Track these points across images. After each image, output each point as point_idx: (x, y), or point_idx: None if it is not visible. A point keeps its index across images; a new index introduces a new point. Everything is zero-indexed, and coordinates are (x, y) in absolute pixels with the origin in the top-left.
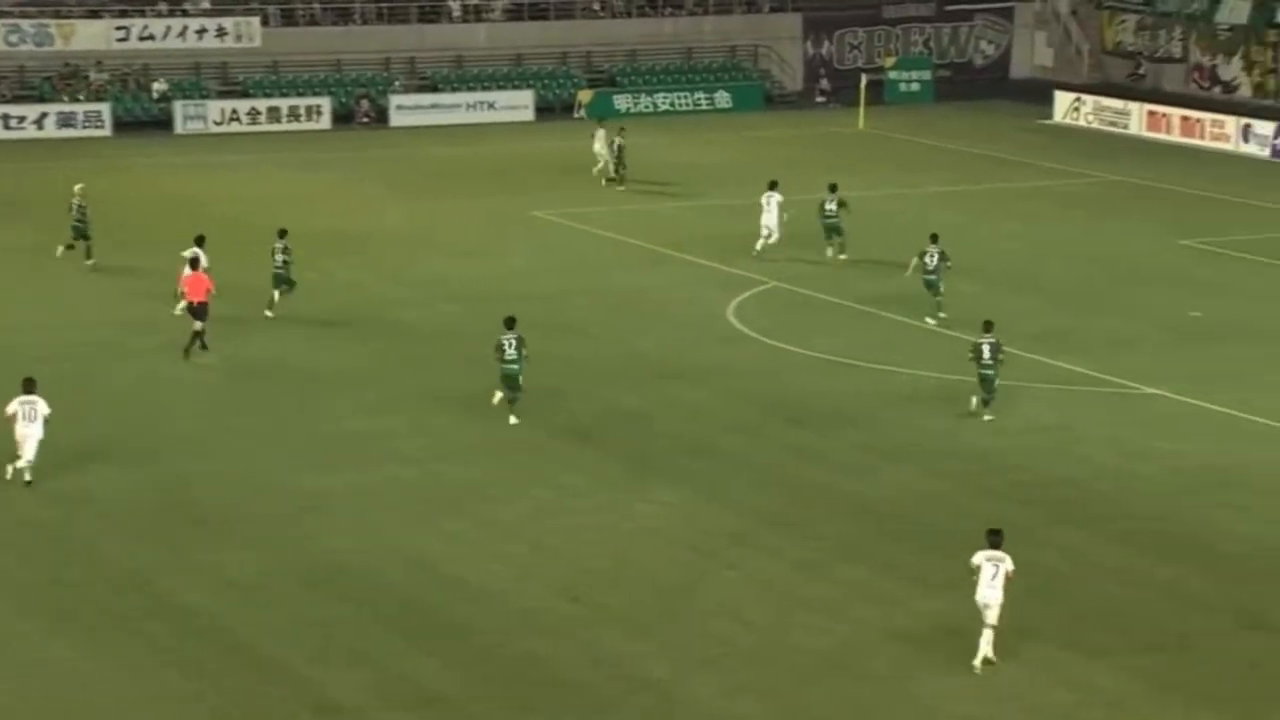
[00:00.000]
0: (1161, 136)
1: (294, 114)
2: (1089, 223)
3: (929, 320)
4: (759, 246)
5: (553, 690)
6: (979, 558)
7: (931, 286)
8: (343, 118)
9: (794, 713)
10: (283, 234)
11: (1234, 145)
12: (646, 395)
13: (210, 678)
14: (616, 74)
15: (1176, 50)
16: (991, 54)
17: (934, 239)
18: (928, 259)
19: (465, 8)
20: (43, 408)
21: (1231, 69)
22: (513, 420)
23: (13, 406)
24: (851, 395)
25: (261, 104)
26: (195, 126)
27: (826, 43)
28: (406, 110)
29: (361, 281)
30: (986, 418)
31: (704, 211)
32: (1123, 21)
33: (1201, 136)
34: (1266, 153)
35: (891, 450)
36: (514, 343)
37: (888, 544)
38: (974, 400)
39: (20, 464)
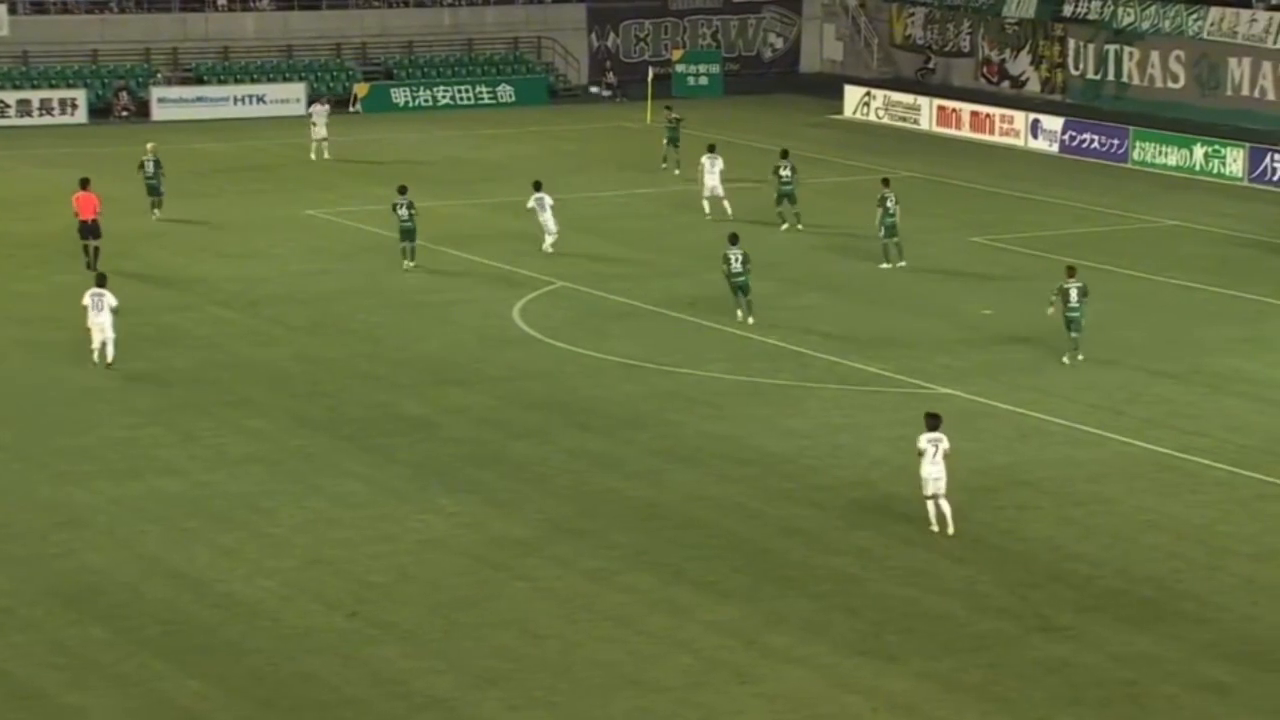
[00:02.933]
0: (952, 132)
1: (46, 107)
2: None
3: (884, 266)
4: (548, 247)
5: (330, 711)
6: (922, 441)
7: (894, 231)
8: (100, 111)
9: None
10: (404, 190)
11: (1023, 141)
12: (429, 400)
13: None
14: (394, 66)
15: (965, 44)
16: (780, 47)
17: (886, 183)
18: (889, 205)
19: None
20: (110, 299)
21: (1020, 64)
22: (741, 317)
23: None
24: (640, 398)
25: (10, 96)
26: None
27: (612, 35)
28: (169, 103)
29: (123, 285)
30: (1080, 357)
31: (487, 209)
32: (911, 15)
33: (991, 132)
34: (1055, 148)
35: (681, 454)
36: (739, 256)
37: (678, 551)
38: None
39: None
